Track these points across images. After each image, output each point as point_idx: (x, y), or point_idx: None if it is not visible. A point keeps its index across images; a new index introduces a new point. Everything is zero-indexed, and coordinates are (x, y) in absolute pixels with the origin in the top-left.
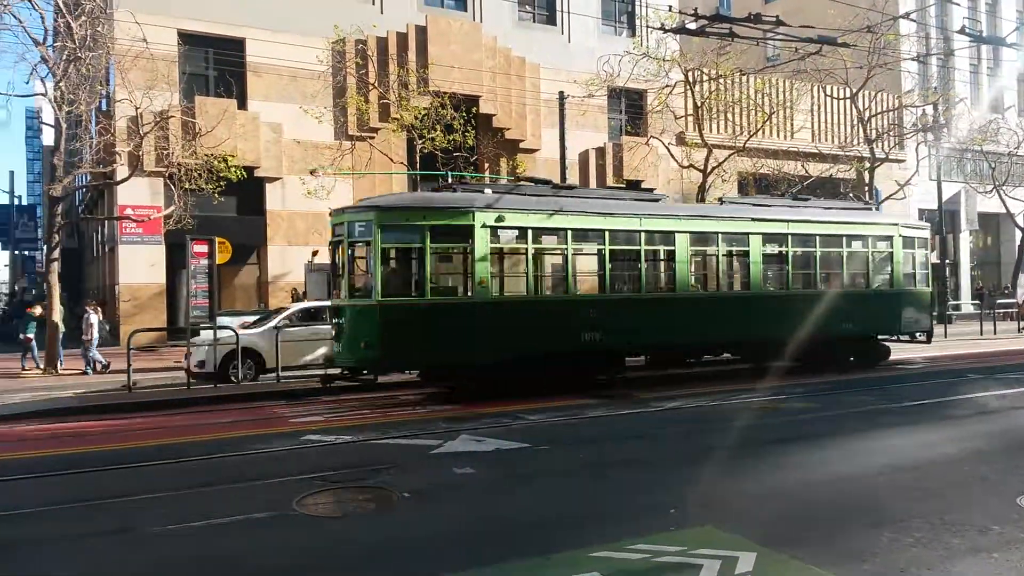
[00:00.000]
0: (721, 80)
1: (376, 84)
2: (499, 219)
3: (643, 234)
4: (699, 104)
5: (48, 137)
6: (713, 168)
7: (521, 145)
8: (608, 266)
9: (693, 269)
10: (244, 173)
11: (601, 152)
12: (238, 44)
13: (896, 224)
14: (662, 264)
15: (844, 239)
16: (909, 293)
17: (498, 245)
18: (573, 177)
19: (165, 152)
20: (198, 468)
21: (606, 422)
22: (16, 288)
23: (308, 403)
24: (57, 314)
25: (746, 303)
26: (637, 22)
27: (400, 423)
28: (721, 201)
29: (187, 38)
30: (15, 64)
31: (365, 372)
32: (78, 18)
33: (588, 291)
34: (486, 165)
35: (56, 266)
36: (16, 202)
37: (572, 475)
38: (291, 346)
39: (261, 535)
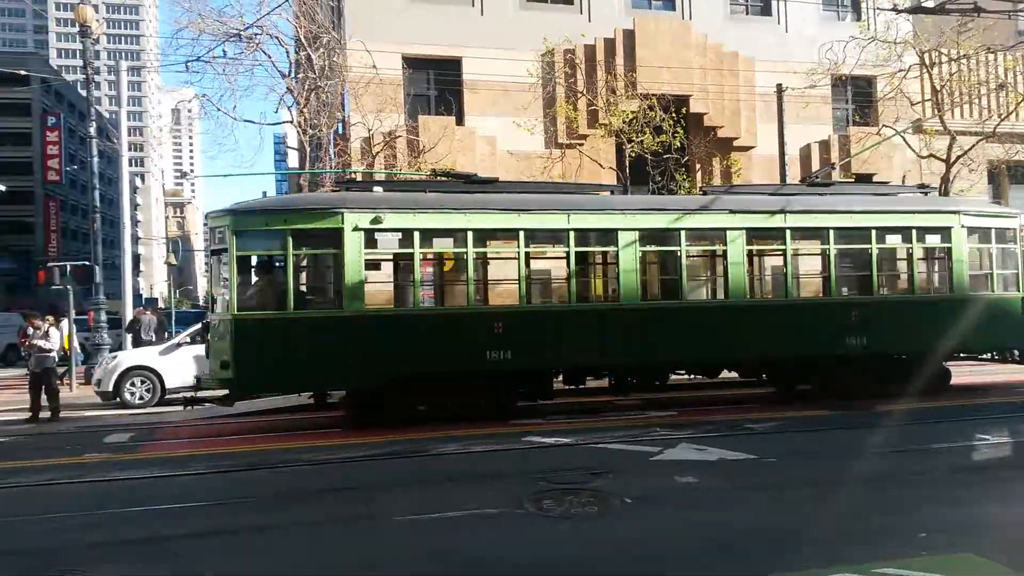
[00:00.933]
0: (964, 60)
1: (584, 91)
2: (375, 220)
3: (572, 233)
4: (938, 88)
5: (292, 160)
6: (958, 157)
7: (735, 143)
8: (523, 272)
9: (642, 274)
10: None
11: (825, 145)
12: (456, 64)
13: (956, 212)
14: (600, 269)
15: (872, 232)
16: (981, 300)
17: (375, 250)
18: (794, 174)
19: (394, 169)
20: (426, 463)
21: (845, 438)
22: None
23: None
24: None
25: (719, 314)
26: (863, 5)
27: (616, 428)
28: (704, 192)
29: (411, 62)
30: (266, 96)
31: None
32: (317, 50)
33: (497, 302)
34: (697, 166)
35: None
36: None
37: (801, 489)
38: (200, 363)
39: (495, 530)
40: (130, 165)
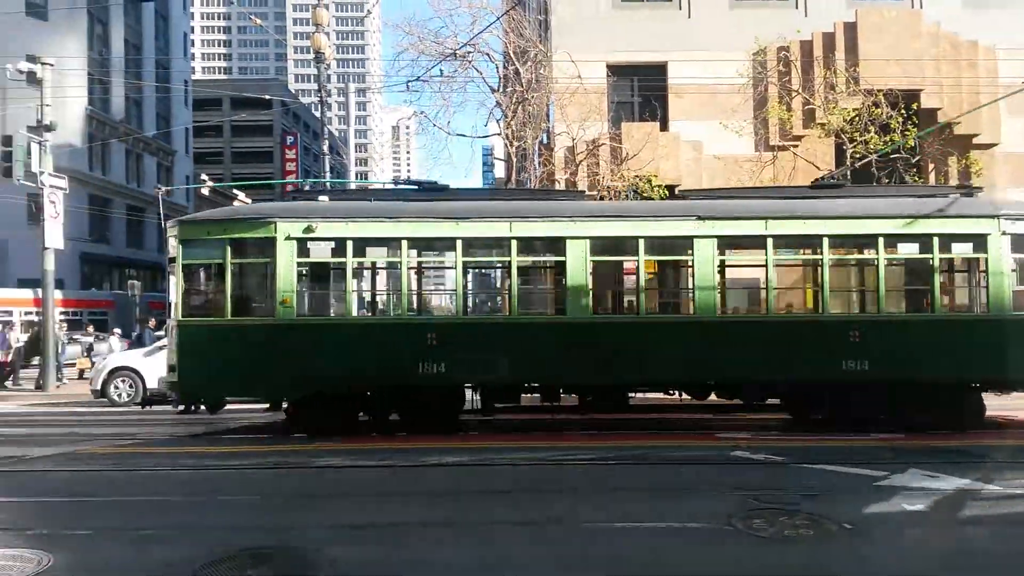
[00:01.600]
0: None
1: (800, 90)
2: (308, 229)
3: (514, 242)
4: None
5: (499, 171)
6: None
7: (975, 140)
8: (461, 281)
9: (592, 286)
10: (666, 192)
11: None
12: (660, 69)
13: (995, 216)
14: (548, 279)
15: (880, 240)
16: None
17: (307, 259)
18: None
19: (596, 177)
20: (623, 471)
21: None
22: None
23: (733, 418)
24: None
25: (682, 331)
26: None
27: (832, 449)
28: (682, 196)
29: (615, 69)
30: (477, 110)
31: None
32: (524, 64)
33: (434, 312)
34: (931, 167)
35: None
36: None
37: None
38: None
39: (702, 546)
40: (355, 179)
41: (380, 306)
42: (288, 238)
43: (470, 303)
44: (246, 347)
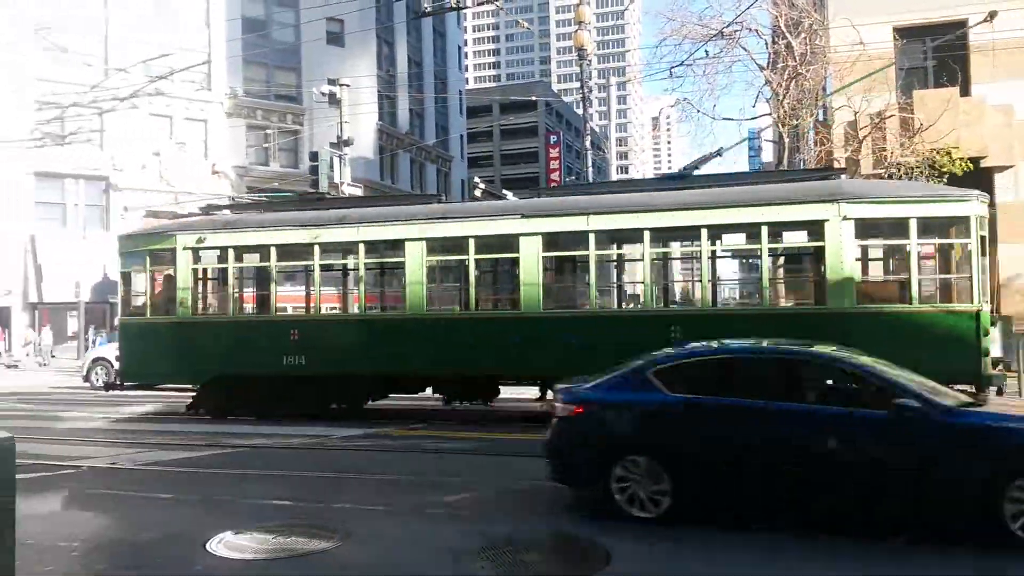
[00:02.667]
0: None
1: None
2: (199, 240)
3: (362, 245)
4: None
5: (767, 154)
6: None
7: None
8: (317, 283)
9: (430, 285)
10: (969, 165)
11: None
12: (958, 26)
13: (833, 200)
14: (394, 279)
15: (703, 231)
16: (885, 316)
17: (199, 265)
18: None
19: (883, 153)
20: None
21: None
22: None
23: None
24: None
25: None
26: None
27: None
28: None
29: (903, 32)
30: (744, 91)
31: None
32: (797, 36)
33: (294, 311)
34: None
35: None
36: None
37: None
38: None
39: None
40: (616, 173)
41: (259, 305)
42: (185, 248)
43: (322, 303)
44: (162, 341)
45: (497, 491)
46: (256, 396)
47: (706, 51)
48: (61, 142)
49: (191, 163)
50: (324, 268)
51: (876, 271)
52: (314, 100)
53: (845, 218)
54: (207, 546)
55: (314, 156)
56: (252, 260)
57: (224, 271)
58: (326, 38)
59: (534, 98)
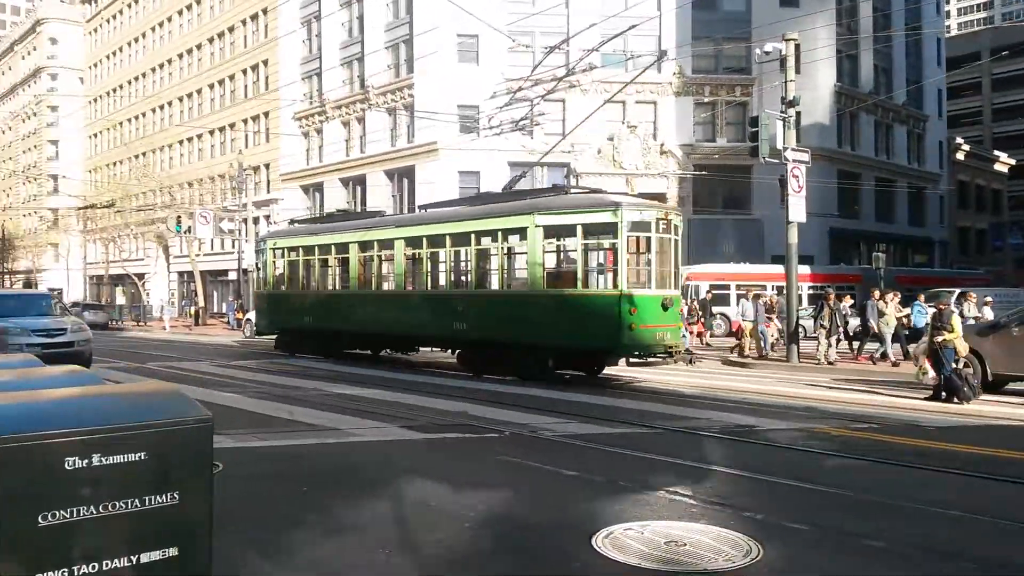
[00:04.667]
0: None
1: None
2: (274, 244)
3: (375, 243)
4: None
5: None
6: None
7: None
8: (337, 271)
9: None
10: None
11: None
12: None
13: (531, 212)
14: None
15: (472, 236)
16: (561, 298)
17: (276, 259)
18: None
19: None
20: None
21: None
22: None
23: None
24: None
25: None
26: None
27: None
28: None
29: None
30: None
31: None
32: None
33: (338, 288)
34: None
35: None
36: None
37: None
38: None
39: None
40: None
41: (317, 285)
42: (272, 248)
43: (339, 283)
44: (264, 307)
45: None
46: (311, 343)
47: None
48: (515, 129)
49: (641, 145)
50: (339, 260)
51: (562, 263)
52: (760, 64)
53: (536, 225)
54: (593, 540)
55: (754, 121)
56: (300, 255)
57: (294, 263)
58: (779, 2)
59: None
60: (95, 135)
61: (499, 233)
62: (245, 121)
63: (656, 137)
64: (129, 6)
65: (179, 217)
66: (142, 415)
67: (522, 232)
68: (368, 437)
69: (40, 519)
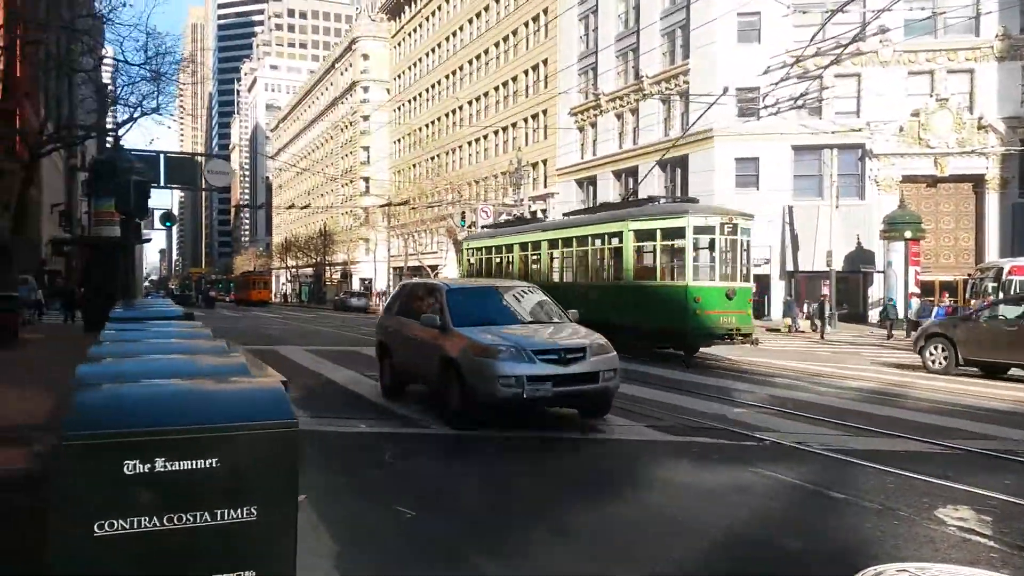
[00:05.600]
0: None
1: None
2: (470, 243)
3: (529, 244)
4: None
5: None
6: None
7: None
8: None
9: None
10: None
11: None
12: None
13: (625, 219)
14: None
15: (589, 239)
16: (647, 287)
17: (471, 257)
18: None
19: None
20: None
21: None
22: None
23: None
24: None
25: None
26: None
27: None
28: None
29: None
30: None
31: None
32: None
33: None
34: None
35: None
36: None
37: None
38: None
39: None
40: None
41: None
42: (466, 248)
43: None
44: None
45: None
46: None
47: None
48: (795, 107)
49: (953, 120)
50: (505, 257)
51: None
52: None
53: (629, 230)
54: None
55: None
56: (483, 254)
57: (476, 260)
58: None
59: None
60: (398, 140)
61: (605, 236)
62: (525, 120)
63: (972, 110)
64: (427, 19)
65: (463, 212)
66: (216, 414)
67: (620, 236)
68: (616, 435)
69: (96, 528)
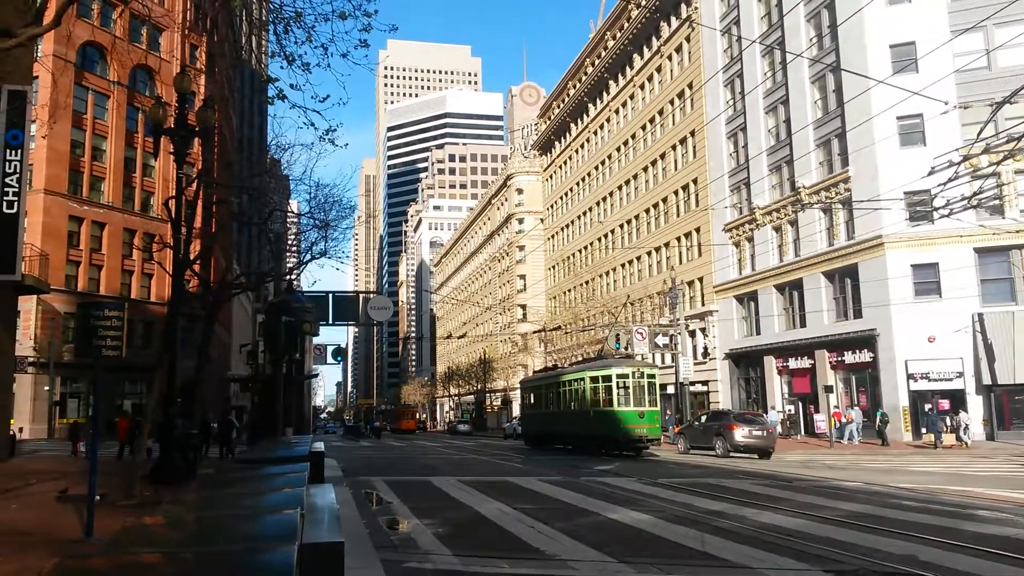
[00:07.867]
0: None
1: None
2: (525, 386)
3: (553, 384)
4: None
5: None
6: None
7: None
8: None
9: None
10: None
11: None
12: None
13: (610, 367)
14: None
15: (586, 379)
16: (601, 410)
17: (528, 396)
18: None
19: None
20: None
21: None
22: None
23: None
24: None
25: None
26: None
27: None
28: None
29: None
30: None
31: None
32: None
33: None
34: None
35: None
36: None
37: None
38: None
39: None
40: None
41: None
42: (521, 389)
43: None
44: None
45: None
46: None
47: None
48: (967, 207)
49: None
50: (538, 395)
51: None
52: None
53: (587, 376)
54: None
55: None
56: (532, 393)
57: (529, 397)
58: None
59: None
60: (552, 267)
61: (580, 380)
62: (678, 239)
63: None
64: (576, 152)
65: (617, 335)
66: None
67: (582, 380)
68: None
69: None
